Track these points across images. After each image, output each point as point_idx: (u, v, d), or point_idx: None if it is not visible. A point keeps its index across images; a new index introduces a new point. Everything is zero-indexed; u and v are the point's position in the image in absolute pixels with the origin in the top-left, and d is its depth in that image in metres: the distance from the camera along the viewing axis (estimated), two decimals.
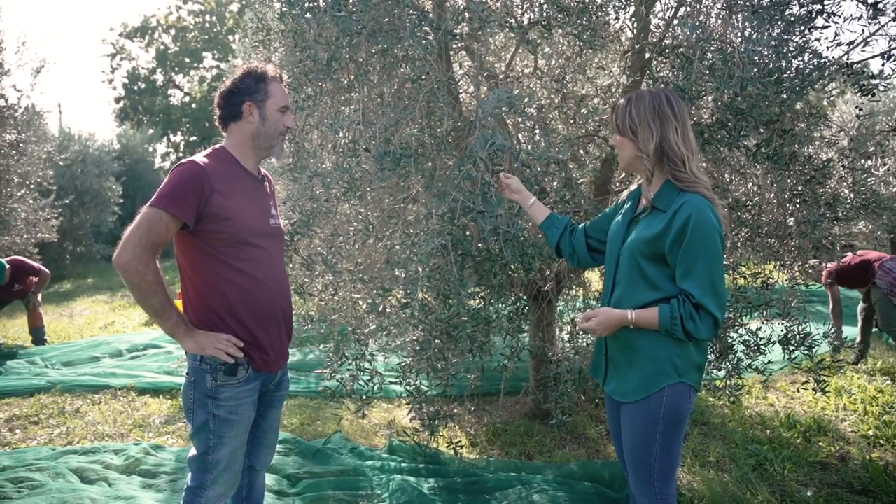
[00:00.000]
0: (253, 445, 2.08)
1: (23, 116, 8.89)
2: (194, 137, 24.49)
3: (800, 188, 2.73)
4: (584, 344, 3.43)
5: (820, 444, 3.57)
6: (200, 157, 1.91)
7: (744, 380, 3.17)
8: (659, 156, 1.75)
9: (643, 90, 1.86)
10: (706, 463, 3.32)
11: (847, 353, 5.41)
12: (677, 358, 1.74)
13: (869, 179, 2.98)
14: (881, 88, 2.46)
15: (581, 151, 3.36)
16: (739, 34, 2.40)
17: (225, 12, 25.37)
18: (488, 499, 2.90)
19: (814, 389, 2.92)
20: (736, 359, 3.03)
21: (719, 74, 2.24)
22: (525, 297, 3.30)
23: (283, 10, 2.68)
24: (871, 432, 3.73)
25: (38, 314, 6.46)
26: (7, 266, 5.91)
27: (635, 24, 3.08)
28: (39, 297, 6.50)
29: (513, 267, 2.51)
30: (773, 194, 2.85)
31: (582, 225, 2.13)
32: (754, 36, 2.23)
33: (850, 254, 5.20)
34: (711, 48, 2.37)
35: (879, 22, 2.40)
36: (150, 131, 20.08)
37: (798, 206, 2.77)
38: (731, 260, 3.12)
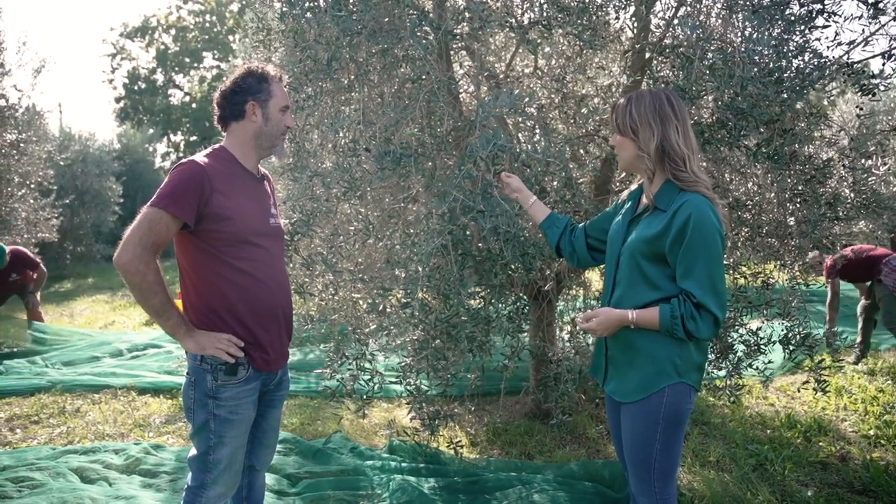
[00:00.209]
0: (253, 445, 2.08)
1: (23, 116, 8.89)
2: (194, 137, 24.50)
3: (800, 188, 2.73)
4: (585, 344, 3.43)
5: (820, 443, 3.57)
6: (200, 157, 1.91)
7: (744, 380, 3.17)
8: (660, 155, 1.75)
9: (643, 90, 1.86)
10: (706, 463, 3.32)
11: (847, 353, 5.41)
12: (677, 358, 1.74)
13: (869, 179, 2.98)
14: (881, 88, 2.46)
15: (581, 151, 3.36)
16: (740, 34, 2.40)
17: (225, 12, 25.37)
18: (488, 498, 2.90)
19: (814, 389, 2.92)
20: (736, 358, 3.03)
21: (719, 74, 2.24)
22: (525, 297, 3.31)
23: (284, 9, 2.68)
24: (871, 432, 3.73)
25: (38, 313, 6.45)
26: (7, 250, 5.90)
27: (635, 24, 3.08)
28: (38, 296, 6.50)
29: (513, 267, 2.51)
30: (773, 194, 2.85)
31: (582, 224, 2.13)
32: (754, 35, 2.23)
33: (851, 249, 5.16)
34: (712, 48, 2.37)
35: (880, 21, 2.40)
36: (151, 131, 20.06)
37: (798, 205, 2.77)
38: (732, 260, 3.12)
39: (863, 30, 2.44)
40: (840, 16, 2.36)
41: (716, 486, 2.99)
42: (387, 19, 2.46)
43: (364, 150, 2.45)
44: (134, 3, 55.17)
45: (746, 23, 2.36)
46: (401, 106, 2.53)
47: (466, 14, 2.47)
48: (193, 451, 1.92)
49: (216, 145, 2.02)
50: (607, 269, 1.95)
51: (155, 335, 6.55)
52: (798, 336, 2.85)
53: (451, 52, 2.99)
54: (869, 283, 5.26)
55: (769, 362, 3.05)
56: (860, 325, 5.38)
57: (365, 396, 2.78)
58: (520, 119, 2.98)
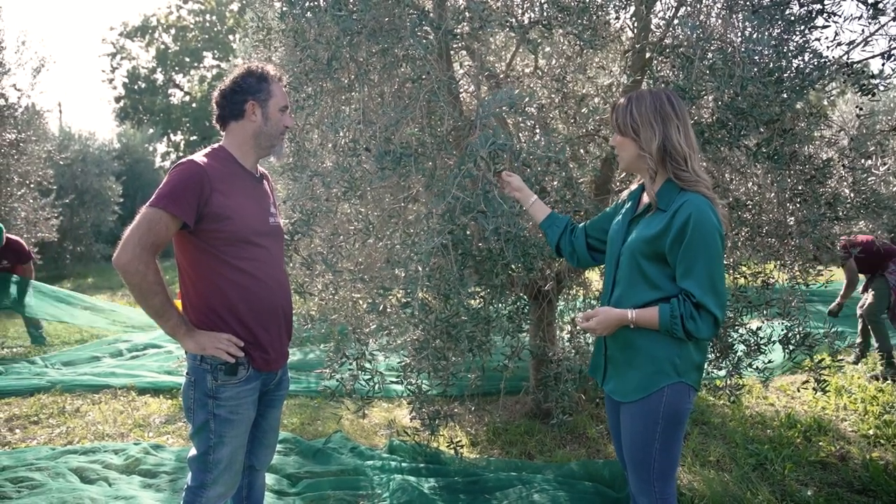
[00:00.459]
0: (253, 445, 2.08)
1: (23, 116, 8.90)
2: (194, 137, 24.50)
3: (800, 188, 2.73)
4: (585, 344, 3.43)
5: (820, 443, 3.57)
6: (199, 157, 1.90)
7: (744, 379, 3.17)
8: (662, 155, 1.75)
9: (643, 90, 1.86)
10: (706, 462, 3.32)
11: (847, 353, 5.40)
12: (677, 357, 1.74)
13: (869, 179, 2.97)
14: (881, 88, 2.46)
15: (581, 151, 3.36)
16: (740, 34, 2.40)
17: (225, 12, 25.37)
18: (489, 498, 2.90)
19: (814, 389, 2.92)
20: (736, 358, 3.03)
21: (720, 74, 2.24)
22: (525, 297, 3.31)
23: (284, 9, 2.68)
24: (871, 432, 3.73)
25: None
26: (4, 230, 5.87)
27: (636, 24, 3.08)
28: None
29: (514, 266, 2.51)
30: (773, 194, 2.85)
31: (582, 224, 2.13)
32: (754, 35, 2.23)
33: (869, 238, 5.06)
34: (712, 48, 2.37)
35: (879, 21, 2.40)
36: (151, 131, 20.07)
37: (798, 205, 2.77)
38: (732, 259, 3.12)
39: (862, 30, 2.44)
40: (840, 16, 2.36)
41: (716, 485, 2.99)
42: (387, 19, 2.46)
43: (364, 149, 2.45)
44: (134, 2, 55.18)
45: (746, 23, 2.36)
46: (401, 106, 2.53)
47: (467, 14, 2.47)
48: (193, 451, 1.92)
49: (215, 145, 2.02)
50: (607, 268, 1.95)
51: (155, 335, 6.55)
52: (798, 336, 2.85)
53: (452, 52, 2.99)
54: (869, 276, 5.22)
55: (769, 362, 3.05)
56: (860, 325, 5.38)
57: (365, 396, 2.78)
58: (520, 119, 2.97)
